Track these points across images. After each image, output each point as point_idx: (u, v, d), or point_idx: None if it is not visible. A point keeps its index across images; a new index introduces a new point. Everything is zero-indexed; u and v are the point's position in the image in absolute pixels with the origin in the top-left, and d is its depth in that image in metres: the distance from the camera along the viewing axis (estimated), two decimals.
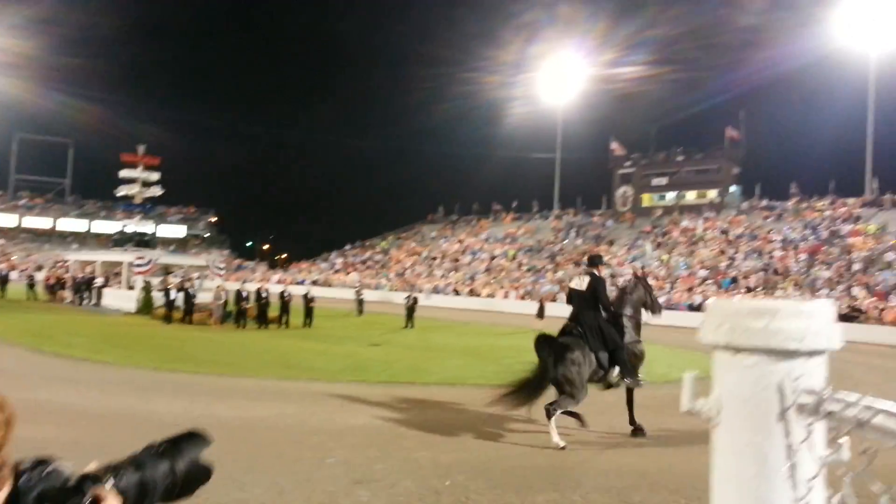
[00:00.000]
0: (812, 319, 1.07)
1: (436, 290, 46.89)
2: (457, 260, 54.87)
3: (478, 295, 45.28)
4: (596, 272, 8.51)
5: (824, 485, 1.07)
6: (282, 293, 24.41)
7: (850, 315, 29.75)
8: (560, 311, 36.10)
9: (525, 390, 7.97)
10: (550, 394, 8.08)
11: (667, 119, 68.48)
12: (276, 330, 23.05)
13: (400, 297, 34.21)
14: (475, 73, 66.51)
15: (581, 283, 8.49)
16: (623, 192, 57.11)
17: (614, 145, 57.72)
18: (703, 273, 40.54)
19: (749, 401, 1.07)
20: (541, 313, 27.34)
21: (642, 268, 37.57)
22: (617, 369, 8.20)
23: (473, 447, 7.71)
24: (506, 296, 43.91)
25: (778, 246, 41.06)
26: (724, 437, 1.11)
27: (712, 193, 52.37)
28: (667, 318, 35.63)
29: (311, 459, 6.86)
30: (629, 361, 8.29)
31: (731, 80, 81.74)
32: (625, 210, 56.01)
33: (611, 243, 50.38)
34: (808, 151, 70.89)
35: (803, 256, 38.86)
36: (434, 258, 56.50)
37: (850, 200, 44.04)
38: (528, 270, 48.98)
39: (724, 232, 45.59)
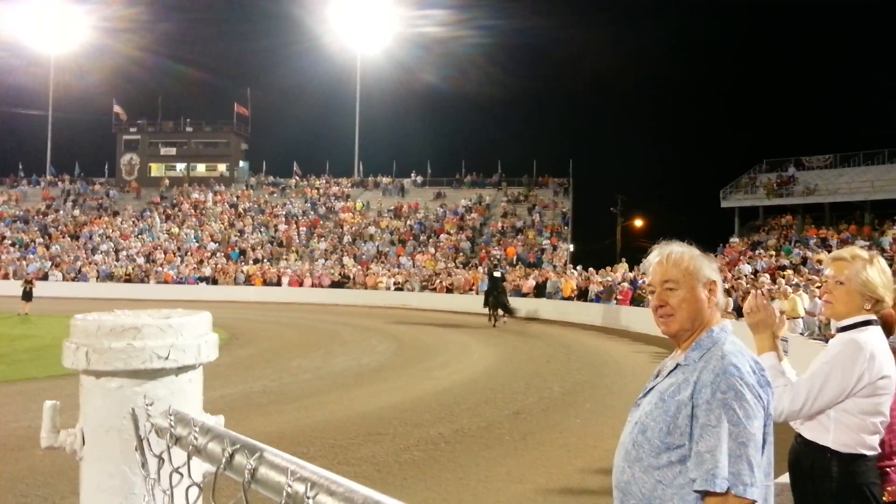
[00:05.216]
0: (180, 335, 1.02)
1: None
2: None
3: None
4: (502, 269, 25.89)
5: None
6: None
7: (341, 282, 33.75)
8: (53, 291, 31.98)
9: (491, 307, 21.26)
10: None
11: (173, 88, 65.91)
12: None
13: None
14: None
15: (498, 273, 21.98)
16: (129, 159, 53.28)
17: (117, 108, 53.26)
18: (213, 246, 40.83)
19: (113, 428, 0.97)
20: (27, 295, 23.70)
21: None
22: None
23: None
24: None
25: (282, 220, 43.93)
26: (90, 471, 0.99)
27: (222, 167, 52.87)
28: (177, 291, 34.38)
29: None
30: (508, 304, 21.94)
31: (239, 60, 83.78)
32: (131, 179, 52.41)
33: (115, 214, 46.64)
34: (307, 135, 77.25)
35: (304, 229, 42.48)
36: None
37: (343, 180, 49.76)
38: (14, 245, 41.96)
39: (234, 206, 46.64)
